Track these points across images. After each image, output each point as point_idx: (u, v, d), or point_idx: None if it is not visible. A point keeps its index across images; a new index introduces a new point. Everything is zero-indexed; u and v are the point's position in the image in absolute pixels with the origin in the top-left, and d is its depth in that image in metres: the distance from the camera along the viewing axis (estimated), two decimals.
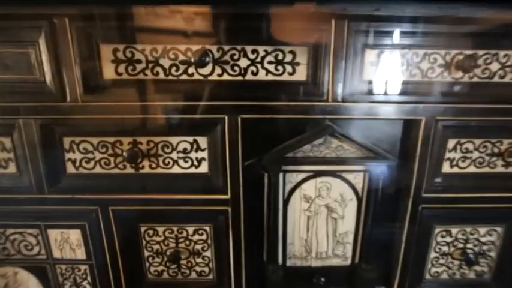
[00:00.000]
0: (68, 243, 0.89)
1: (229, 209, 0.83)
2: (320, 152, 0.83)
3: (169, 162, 0.82)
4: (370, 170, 0.84)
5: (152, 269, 0.92)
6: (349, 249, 0.92)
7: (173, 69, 0.74)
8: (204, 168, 0.82)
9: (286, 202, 0.87)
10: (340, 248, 0.92)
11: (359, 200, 0.88)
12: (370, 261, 0.91)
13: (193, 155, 0.81)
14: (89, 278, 0.93)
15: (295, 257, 0.93)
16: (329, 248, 0.92)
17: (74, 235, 0.88)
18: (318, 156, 0.83)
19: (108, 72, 0.74)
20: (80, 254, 0.90)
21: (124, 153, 0.79)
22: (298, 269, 0.93)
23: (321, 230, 0.89)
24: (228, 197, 0.82)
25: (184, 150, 0.81)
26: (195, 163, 0.82)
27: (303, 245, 0.91)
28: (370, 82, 0.76)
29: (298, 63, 0.75)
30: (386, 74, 0.76)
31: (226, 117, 0.76)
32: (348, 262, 0.94)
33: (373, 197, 0.86)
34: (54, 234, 0.88)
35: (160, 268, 0.92)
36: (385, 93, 0.77)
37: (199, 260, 0.90)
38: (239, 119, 0.76)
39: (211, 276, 0.92)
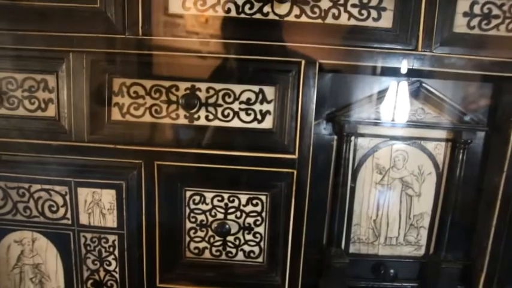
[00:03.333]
0: (98, 206, 0.77)
1: (295, 173, 0.71)
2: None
3: (228, 114, 0.72)
4: (455, 139, 0.74)
5: (192, 245, 0.78)
6: (424, 236, 0.79)
7: (247, 7, 0.68)
8: (268, 123, 0.72)
9: (355, 172, 0.76)
10: (414, 234, 0.79)
11: (439, 174, 0.76)
12: (448, 253, 0.78)
13: (257, 107, 0.71)
14: (116, 252, 0.79)
15: (360, 241, 0.79)
16: (400, 232, 0.79)
17: (107, 197, 0.76)
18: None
19: (175, 5, 0.67)
20: (111, 221, 0.77)
21: (180, 99, 0.70)
22: (362, 257, 0.80)
23: (394, 210, 0.77)
24: (295, 156, 0.71)
25: (248, 101, 0.71)
26: (258, 117, 0.72)
27: (371, 227, 0.78)
28: (461, 35, 0.67)
29: (384, 9, 0.68)
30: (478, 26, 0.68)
31: (302, 62, 0.68)
32: (422, 252, 0.80)
33: (457, 172, 0.75)
34: (84, 194, 0.76)
35: (202, 245, 0.78)
36: (478, 46, 0.69)
37: (249, 237, 0.77)
38: (317, 65, 0.68)
39: (260, 259, 0.78)
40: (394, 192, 0.77)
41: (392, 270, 0.79)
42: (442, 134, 0.75)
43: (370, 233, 0.79)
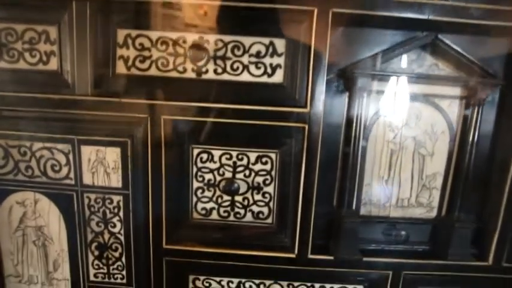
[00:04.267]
0: (102, 165, 0.74)
1: (306, 128, 0.69)
2: (411, 71, 0.72)
3: (238, 68, 0.69)
4: (469, 96, 0.72)
5: (200, 206, 0.76)
6: (436, 197, 0.77)
7: None
8: (278, 77, 0.69)
9: (367, 131, 0.74)
10: (426, 195, 0.77)
11: (452, 133, 0.74)
12: (460, 215, 0.76)
13: (267, 60, 0.69)
14: (121, 214, 0.77)
15: (371, 203, 0.77)
16: (412, 193, 0.77)
17: (112, 155, 0.73)
18: (410, 72, 0.71)
19: None
20: (115, 180, 0.75)
21: (187, 52, 0.68)
22: (373, 219, 0.78)
23: (406, 169, 0.75)
24: (306, 110, 0.69)
25: (258, 54, 0.69)
26: (269, 70, 0.69)
27: (383, 188, 0.77)
28: None
29: None
30: None
31: (315, 11, 0.65)
32: (434, 214, 0.78)
33: (471, 131, 0.73)
34: (88, 152, 0.74)
35: (209, 205, 0.76)
36: None
37: (258, 197, 0.75)
38: (330, 15, 0.66)
39: (269, 220, 0.76)
40: (407, 152, 0.75)
41: (403, 232, 0.77)
42: (456, 91, 0.73)
43: (381, 193, 0.77)
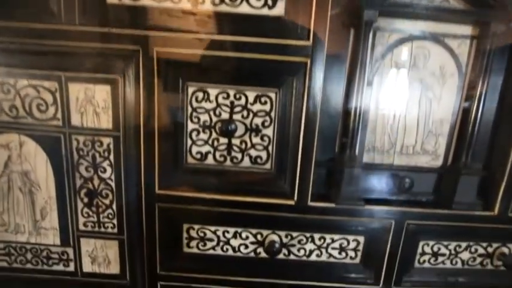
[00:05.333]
0: (91, 104, 0.70)
1: (308, 63, 0.66)
2: (420, 9, 0.68)
3: None
4: (481, 35, 0.68)
5: (195, 149, 0.72)
6: (443, 145, 0.74)
7: None
8: (279, 9, 0.64)
9: (372, 71, 0.69)
10: (432, 142, 0.74)
11: (462, 76, 0.70)
12: (467, 163, 0.73)
13: None
14: (111, 158, 0.73)
15: (375, 150, 0.74)
16: (418, 140, 0.74)
17: (101, 93, 0.69)
18: (420, 7, 0.67)
19: None
20: (105, 121, 0.71)
21: None
22: (377, 167, 0.75)
23: (412, 113, 0.71)
24: (309, 43, 0.64)
25: None
26: (269, 2, 0.65)
27: (387, 133, 0.74)
28: None
29: None
30: None
31: None
32: (439, 162, 0.75)
33: (481, 74, 0.70)
34: (76, 90, 0.69)
35: (205, 149, 0.72)
36: None
37: (256, 140, 0.72)
38: None
39: (268, 166, 0.73)
40: (413, 95, 0.71)
41: (408, 180, 0.74)
42: (467, 29, 0.69)
43: (385, 139, 0.74)
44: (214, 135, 0.71)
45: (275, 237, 0.76)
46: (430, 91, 0.71)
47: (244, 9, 0.65)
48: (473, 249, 0.79)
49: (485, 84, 0.70)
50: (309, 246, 0.77)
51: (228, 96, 0.69)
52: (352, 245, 0.77)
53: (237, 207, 0.73)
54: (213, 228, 0.76)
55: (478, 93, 0.70)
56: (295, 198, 0.72)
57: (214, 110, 0.70)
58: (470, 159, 0.73)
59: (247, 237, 0.77)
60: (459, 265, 0.80)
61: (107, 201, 0.75)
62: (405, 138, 0.73)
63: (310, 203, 0.72)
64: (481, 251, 0.79)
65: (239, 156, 0.72)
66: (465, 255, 0.79)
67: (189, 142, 0.72)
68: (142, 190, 0.73)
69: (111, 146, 0.72)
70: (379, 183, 0.75)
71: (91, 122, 0.71)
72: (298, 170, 0.71)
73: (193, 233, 0.77)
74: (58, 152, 0.73)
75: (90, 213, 0.77)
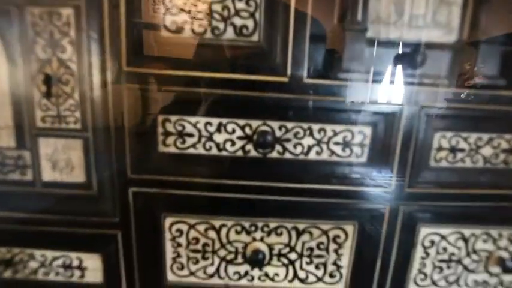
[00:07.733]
0: None
1: None
2: None
3: None
4: None
5: (169, 18, 0.61)
6: (457, 16, 0.65)
7: None
8: None
9: None
10: (444, 12, 0.64)
11: None
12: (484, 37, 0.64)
13: None
14: (72, 33, 0.62)
15: (379, 21, 0.65)
16: (428, 9, 0.65)
17: None
18: None
19: None
20: None
21: None
22: (383, 43, 0.64)
23: None
24: None
25: None
26: None
27: (393, 2, 0.64)
28: None
29: None
30: None
31: None
32: (453, 38, 0.66)
33: None
34: None
35: (180, 18, 0.60)
36: None
37: (241, 4, 0.60)
38: None
39: (255, 37, 0.61)
40: None
41: (419, 59, 0.64)
42: None
43: (391, 9, 0.64)
44: None
45: (267, 129, 0.66)
46: None
47: None
48: (495, 143, 0.69)
49: None
50: (307, 140, 0.66)
51: None
52: (358, 138, 0.66)
53: (220, 87, 0.62)
54: (193, 119, 0.65)
55: None
56: (288, 73, 0.62)
57: None
58: (488, 33, 0.63)
59: (233, 131, 0.65)
60: (480, 163, 0.69)
61: (68, 89, 0.63)
62: (414, 7, 0.63)
63: (306, 80, 0.62)
64: (504, 145, 0.69)
65: (221, 26, 0.61)
66: (487, 151, 0.69)
67: (162, 9, 0.62)
68: (107, 68, 0.62)
69: (72, 19, 0.61)
70: (385, 64, 0.65)
71: None
72: (291, 41, 0.61)
73: (169, 127, 0.65)
74: (11, 28, 0.61)
75: (49, 105, 0.64)
